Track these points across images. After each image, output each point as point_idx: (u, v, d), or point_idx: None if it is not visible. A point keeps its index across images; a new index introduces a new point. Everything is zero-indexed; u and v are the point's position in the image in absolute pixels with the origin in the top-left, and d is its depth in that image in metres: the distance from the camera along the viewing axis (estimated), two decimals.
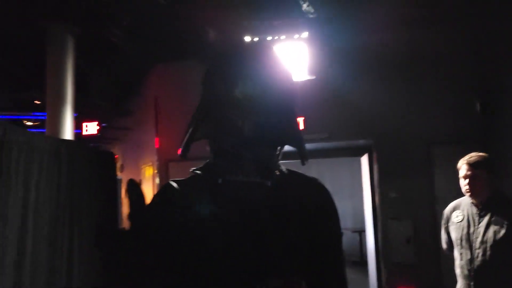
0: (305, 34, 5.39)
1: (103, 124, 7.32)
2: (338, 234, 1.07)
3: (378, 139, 5.43)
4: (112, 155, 4.41)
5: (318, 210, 1.01)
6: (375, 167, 5.49)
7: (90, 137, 6.75)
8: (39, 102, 6.17)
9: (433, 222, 4.85)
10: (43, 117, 4.84)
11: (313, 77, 5.50)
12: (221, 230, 0.92)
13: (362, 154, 6.07)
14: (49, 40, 4.67)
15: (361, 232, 7.73)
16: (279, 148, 0.99)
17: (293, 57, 5.48)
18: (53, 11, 4.44)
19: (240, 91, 0.92)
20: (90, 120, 6.69)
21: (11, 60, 5.33)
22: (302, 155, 1.02)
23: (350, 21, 5.11)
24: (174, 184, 1.05)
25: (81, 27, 4.79)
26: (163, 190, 1.05)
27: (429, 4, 4.83)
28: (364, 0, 4.63)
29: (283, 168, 1.06)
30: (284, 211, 0.97)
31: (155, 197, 1.05)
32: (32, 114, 6.39)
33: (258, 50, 1.02)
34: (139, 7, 4.50)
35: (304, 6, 4.69)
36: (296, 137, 1.01)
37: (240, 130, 0.91)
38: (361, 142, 5.70)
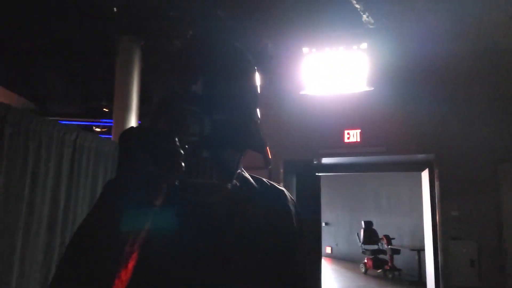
0: (364, 45, 5.31)
1: None
2: (300, 250, 0.97)
3: (440, 154, 5.19)
4: None
5: (279, 219, 0.94)
6: (437, 183, 5.25)
7: None
8: (107, 110, 6.60)
9: (499, 244, 4.53)
10: (110, 124, 5.15)
11: (371, 89, 5.39)
12: (174, 237, 0.85)
13: (422, 169, 5.83)
14: (118, 52, 4.98)
15: (420, 251, 7.38)
16: (241, 151, 0.91)
17: (351, 68, 5.42)
18: (125, 25, 4.74)
19: (202, 85, 0.85)
20: None
21: (84, 72, 5.73)
22: (266, 160, 0.94)
23: (411, 33, 4.97)
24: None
25: (148, 40, 5.06)
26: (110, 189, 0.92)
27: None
28: (426, 12, 4.49)
29: (246, 173, 0.99)
30: (244, 217, 0.91)
31: (101, 198, 0.90)
32: (100, 121, 6.84)
33: (226, 44, 0.93)
34: (201, 20, 4.68)
35: (364, 17, 4.63)
36: (259, 142, 0.93)
37: (199, 128, 0.83)
38: (421, 156, 5.48)
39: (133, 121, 4.90)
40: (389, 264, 8.22)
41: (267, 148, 0.95)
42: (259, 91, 0.96)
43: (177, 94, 0.86)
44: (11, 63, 4.62)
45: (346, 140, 5.80)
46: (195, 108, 0.83)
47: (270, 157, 0.96)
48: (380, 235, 8.85)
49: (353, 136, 5.78)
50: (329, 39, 5.40)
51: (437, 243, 5.17)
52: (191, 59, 0.89)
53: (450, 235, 4.97)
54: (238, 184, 0.91)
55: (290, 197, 1.02)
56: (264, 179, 1.03)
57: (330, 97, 5.75)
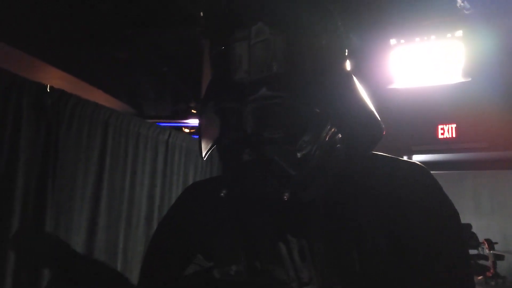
0: (459, 33, 4.91)
1: None
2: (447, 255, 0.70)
3: None
4: None
5: (400, 214, 0.71)
6: None
7: None
8: (195, 111, 6.91)
9: None
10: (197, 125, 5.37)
11: (469, 80, 4.96)
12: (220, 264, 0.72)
13: None
14: (206, 56, 5.18)
15: None
16: (306, 140, 0.69)
17: (444, 59, 5.04)
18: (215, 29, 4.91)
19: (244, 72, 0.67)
20: None
21: (173, 76, 6.05)
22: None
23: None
24: (195, 188, 0.95)
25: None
26: (180, 198, 0.95)
27: None
28: None
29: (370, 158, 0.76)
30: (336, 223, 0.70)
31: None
32: (188, 121, 7.18)
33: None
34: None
35: (459, 2, 4.28)
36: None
37: (244, 122, 0.67)
38: None
39: None
40: (491, 271, 7.52)
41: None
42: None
43: (220, 85, 0.72)
44: (113, 72, 5.04)
45: (440, 136, 5.41)
46: (234, 98, 0.68)
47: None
48: (481, 239, 8.14)
49: (447, 131, 5.37)
50: (419, 29, 5.07)
51: None
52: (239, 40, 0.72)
53: None
54: (331, 182, 0.72)
55: (426, 179, 0.76)
56: (392, 159, 0.80)
57: (421, 90, 5.40)
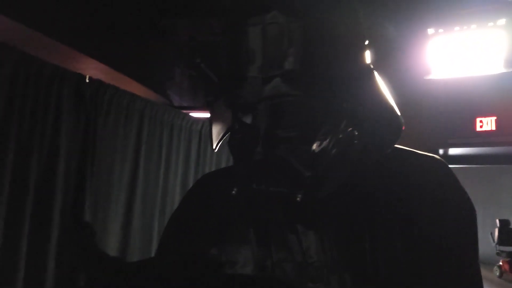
0: (502, 21, 4.70)
1: None
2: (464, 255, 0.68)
3: None
4: None
5: (418, 213, 0.68)
6: None
7: None
8: (211, 103, 6.96)
9: None
10: None
11: (511, 70, 4.75)
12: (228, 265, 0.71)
13: None
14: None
15: None
16: (321, 139, 0.65)
17: (485, 48, 4.85)
18: None
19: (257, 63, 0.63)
20: None
21: (206, 67, 6.09)
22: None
23: None
24: (209, 178, 0.92)
25: None
26: (194, 188, 0.93)
27: None
28: None
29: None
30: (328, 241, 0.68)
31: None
32: None
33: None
34: None
35: None
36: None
37: (257, 119, 0.65)
38: None
39: None
40: None
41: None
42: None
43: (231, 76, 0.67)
44: (147, 63, 5.13)
45: (478, 129, 5.23)
46: (247, 90, 0.64)
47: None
48: None
49: (486, 124, 5.18)
50: (459, 17, 4.89)
51: None
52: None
53: None
54: (346, 178, 0.68)
55: (443, 173, 0.71)
56: (410, 152, 0.75)
57: (460, 81, 5.22)
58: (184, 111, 3.28)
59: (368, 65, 0.73)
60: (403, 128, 0.71)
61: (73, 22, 3.72)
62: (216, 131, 0.79)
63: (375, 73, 0.73)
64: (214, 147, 0.80)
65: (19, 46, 1.66)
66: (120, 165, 2.26)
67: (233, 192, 0.71)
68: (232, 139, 0.72)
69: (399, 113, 0.71)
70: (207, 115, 6.80)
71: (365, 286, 0.65)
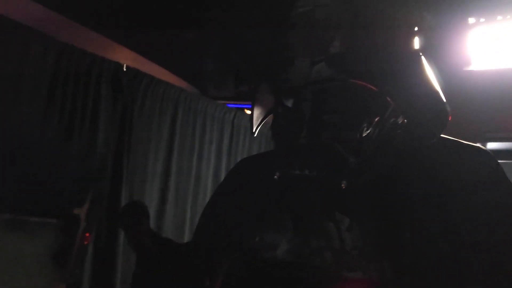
0: None
1: None
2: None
3: None
4: None
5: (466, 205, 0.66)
6: None
7: None
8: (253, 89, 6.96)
9: None
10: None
11: None
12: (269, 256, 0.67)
13: None
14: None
15: None
16: (367, 125, 0.63)
17: None
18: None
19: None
20: None
21: (238, 57, 6.11)
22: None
23: None
24: (247, 163, 0.88)
25: None
26: (231, 173, 0.87)
27: None
28: None
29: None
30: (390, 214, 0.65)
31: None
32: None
33: None
34: None
35: None
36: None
37: (302, 104, 0.62)
38: None
39: None
40: None
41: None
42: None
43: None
44: (180, 53, 5.18)
45: None
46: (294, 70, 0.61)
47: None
48: None
49: None
50: (502, 6, 4.67)
51: None
52: None
53: None
54: (385, 168, 0.66)
55: (488, 164, 0.69)
56: (455, 142, 0.73)
57: (501, 73, 5.01)
58: (217, 101, 3.30)
59: (417, 51, 0.70)
60: (450, 118, 0.69)
61: (110, 12, 3.79)
62: (257, 115, 0.76)
63: (423, 60, 0.71)
64: (254, 130, 0.76)
65: (59, 36, 1.71)
66: (154, 152, 2.30)
67: (275, 177, 0.68)
68: (274, 123, 0.70)
69: (446, 104, 0.69)
70: (237, 105, 6.85)
71: (403, 275, 0.63)
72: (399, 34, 0.68)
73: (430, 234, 0.64)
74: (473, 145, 0.72)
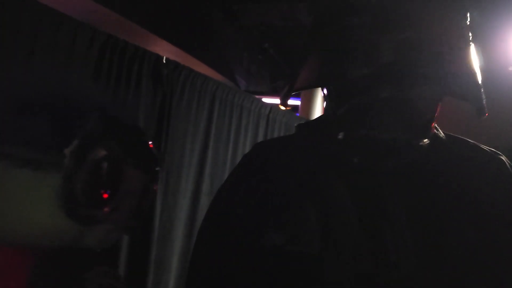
0: None
1: None
2: None
3: None
4: None
5: (494, 198, 0.62)
6: None
7: None
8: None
9: None
10: (297, 102, 5.38)
11: None
12: (344, 218, 0.58)
13: None
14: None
15: None
16: (439, 93, 0.60)
17: None
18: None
19: None
20: None
21: (274, 52, 6.09)
22: (478, 108, 0.63)
23: None
24: (266, 148, 0.75)
25: None
26: (248, 159, 0.74)
27: None
28: None
29: (440, 130, 0.68)
30: (438, 192, 0.60)
31: (236, 170, 0.74)
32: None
33: None
34: None
35: None
36: (468, 82, 0.61)
37: (373, 54, 0.56)
38: None
39: (319, 100, 5.00)
40: None
41: (481, 91, 0.63)
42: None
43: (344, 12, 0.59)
44: (217, 47, 5.22)
45: None
46: (362, 22, 0.56)
47: (484, 102, 0.64)
48: None
49: None
50: None
51: None
52: None
53: None
54: (428, 142, 0.63)
55: (503, 173, 0.66)
56: (470, 141, 0.71)
57: None
58: (253, 95, 3.30)
59: (470, 39, 0.67)
60: (486, 115, 0.66)
61: (150, 6, 3.87)
62: (306, 77, 0.66)
63: (473, 49, 0.68)
64: (298, 89, 0.68)
65: (103, 28, 1.77)
66: (191, 144, 2.33)
67: (339, 137, 0.62)
68: (342, 78, 0.62)
69: (484, 99, 0.65)
70: (274, 100, 6.83)
71: (440, 268, 0.58)
72: (457, 18, 0.66)
73: (464, 230, 0.59)
74: (488, 150, 0.70)
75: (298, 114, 5.20)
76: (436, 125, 0.68)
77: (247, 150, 2.77)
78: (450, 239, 0.58)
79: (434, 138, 0.67)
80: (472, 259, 0.57)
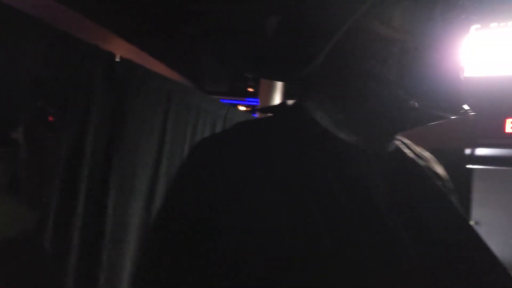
0: None
1: None
2: None
3: None
4: None
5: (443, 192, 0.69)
6: None
7: None
8: (252, 90, 6.96)
9: None
10: (254, 103, 5.42)
11: None
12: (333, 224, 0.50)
13: None
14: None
15: None
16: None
17: None
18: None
19: None
20: None
21: (234, 53, 6.10)
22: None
23: None
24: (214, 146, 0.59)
25: None
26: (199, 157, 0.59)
27: None
28: None
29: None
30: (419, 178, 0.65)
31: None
32: (245, 100, 7.25)
33: None
34: None
35: None
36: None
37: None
38: None
39: (277, 101, 5.05)
40: None
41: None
42: None
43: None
44: (175, 46, 5.16)
45: (507, 130, 5.08)
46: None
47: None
48: None
49: None
50: (496, 13, 4.72)
51: None
52: None
53: None
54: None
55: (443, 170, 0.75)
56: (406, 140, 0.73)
57: (492, 80, 5.07)
58: (211, 96, 3.30)
59: None
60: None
61: (107, 3, 3.77)
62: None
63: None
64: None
65: (53, 23, 1.70)
66: (146, 145, 2.29)
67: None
68: None
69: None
70: (231, 101, 6.83)
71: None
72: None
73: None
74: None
75: (255, 115, 5.24)
76: None
77: None
78: (433, 230, 0.59)
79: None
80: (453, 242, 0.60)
